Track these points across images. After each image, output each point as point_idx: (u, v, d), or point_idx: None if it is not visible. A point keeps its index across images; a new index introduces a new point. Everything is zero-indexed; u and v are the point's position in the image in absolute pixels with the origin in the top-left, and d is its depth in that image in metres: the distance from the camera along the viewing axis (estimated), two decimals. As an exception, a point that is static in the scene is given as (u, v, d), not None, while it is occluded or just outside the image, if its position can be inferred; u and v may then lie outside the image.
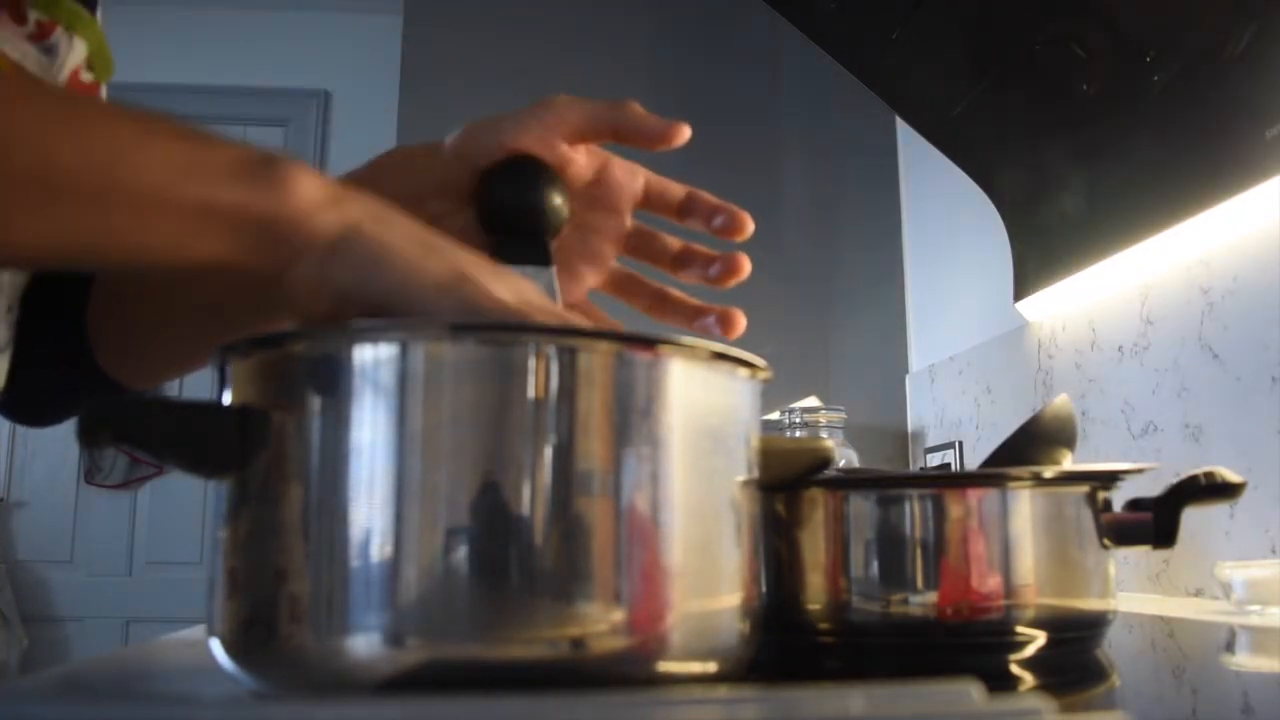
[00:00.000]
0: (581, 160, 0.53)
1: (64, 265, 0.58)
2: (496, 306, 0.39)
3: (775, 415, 1.60)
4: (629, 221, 0.57)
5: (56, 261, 0.52)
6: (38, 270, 0.60)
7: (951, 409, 1.72)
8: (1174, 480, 0.52)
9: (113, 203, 0.39)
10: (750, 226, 0.55)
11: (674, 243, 0.58)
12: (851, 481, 0.52)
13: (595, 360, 0.35)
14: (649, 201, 0.57)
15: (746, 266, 0.56)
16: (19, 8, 0.53)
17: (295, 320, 0.42)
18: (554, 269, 0.52)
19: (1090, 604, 0.50)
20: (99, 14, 0.60)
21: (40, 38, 0.54)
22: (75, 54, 0.56)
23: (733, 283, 0.56)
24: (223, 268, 0.41)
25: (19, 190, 0.38)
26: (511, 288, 0.41)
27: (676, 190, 0.56)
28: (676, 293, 0.58)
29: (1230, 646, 0.66)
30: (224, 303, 0.62)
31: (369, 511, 0.33)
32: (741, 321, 0.55)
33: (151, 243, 0.40)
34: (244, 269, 0.40)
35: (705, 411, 0.37)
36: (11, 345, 0.60)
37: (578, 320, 0.42)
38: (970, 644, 0.48)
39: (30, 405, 0.65)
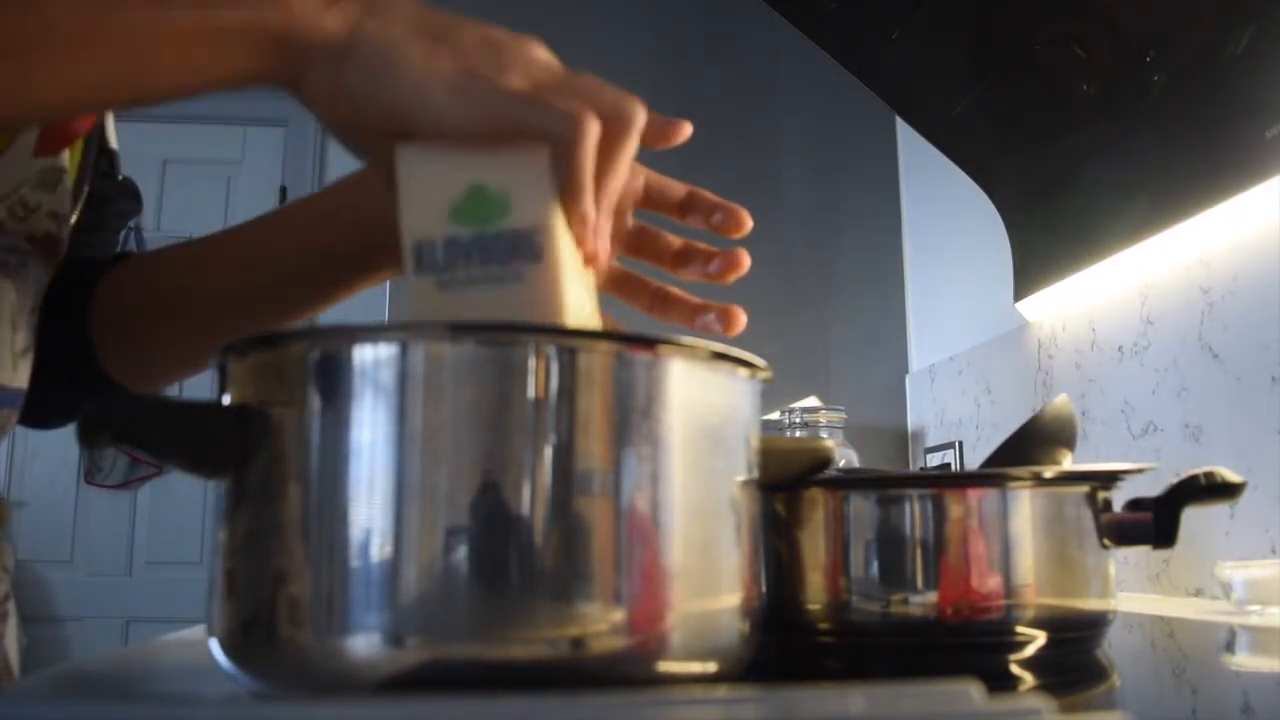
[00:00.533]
0: None
1: (89, 110, 0.58)
2: (510, 99, 0.39)
3: (775, 415, 1.60)
4: (630, 220, 0.57)
5: (83, 109, 0.53)
6: (65, 118, 0.60)
7: (951, 409, 1.72)
8: (1174, 480, 0.52)
9: (117, 43, 0.39)
10: (749, 223, 0.55)
11: (675, 241, 0.58)
12: (851, 481, 0.52)
13: (595, 360, 0.35)
14: (649, 200, 0.57)
15: (746, 261, 0.55)
16: None
17: (320, 123, 0.42)
18: None
19: (1090, 604, 0.50)
20: None
21: None
22: None
23: (733, 278, 0.56)
24: (236, 86, 0.41)
25: (24, 48, 0.38)
26: (523, 73, 0.41)
27: (677, 189, 0.56)
28: (677, 291, 0.58)
29: (1230, 646, 0.66)
30: (226, 306, 0.62)
31: (369, 511, 0.33)
32: (742, 318, 0.55)
33: (164, 74, 0.41)
34: (257, 84, 0.41)
35: (705, 411, 0.37)
36: (34, 348, 0.60)
37: (591, 84, 0.42)
38: (970, 644, 0.48)
39: (37, 410, 0.65)
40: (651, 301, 0.58)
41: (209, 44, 0.40)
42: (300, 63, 0.40)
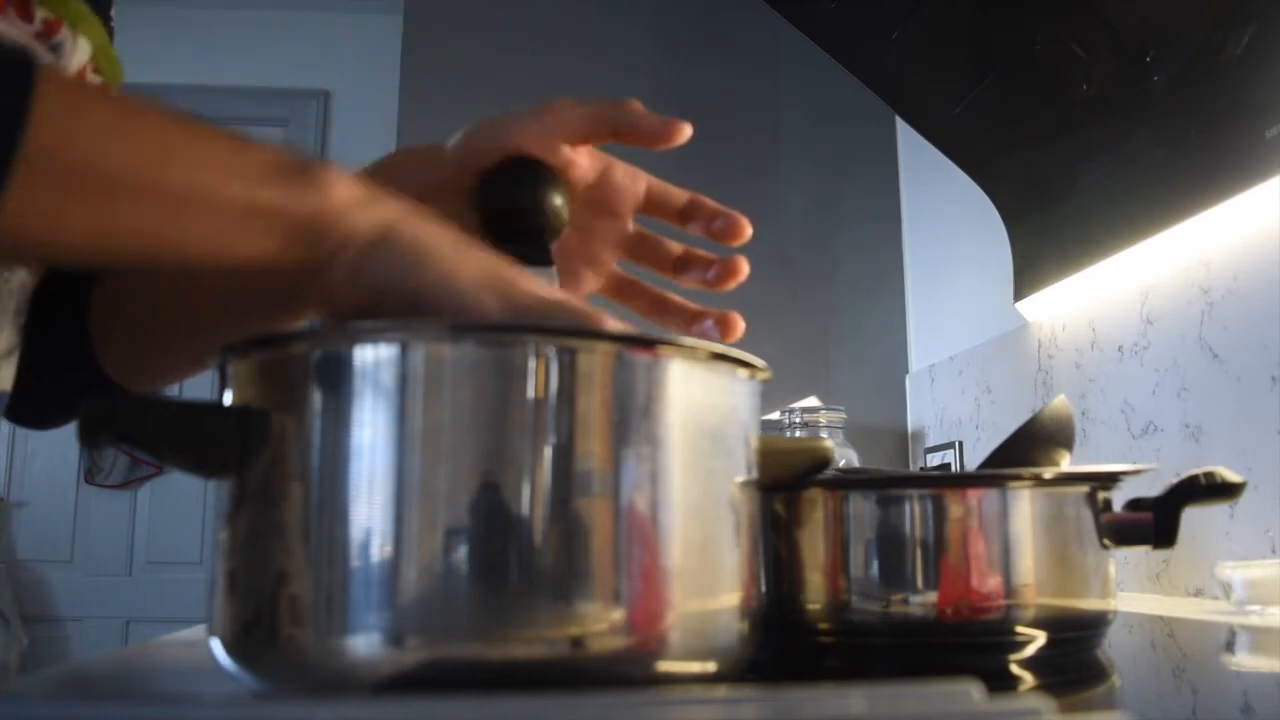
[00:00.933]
0: (583, 163, 0.53)
1: (112, 263, 0.58)
2: (534, 303, 0.40)
3: (775, 415, 1.60)
4: (630, 225, 0.57)
5: (105, 259, 0.53)
6: (85, 267, 0.60)
7: (951, 409, 1.72)
8: (1174, 480, 0.52)
9: (161, 201, 0.39)
10: (748, 231, 0.55)
11: (675, 247, 0.58)
12: (851, 481, 0.52)
13: (595, 360, 0.35)
14: (650, 205, 0.57)
15: (744, 269, 0.56)
16: (26, 5, 0.53)
17: (328, 316, 0.42)
18: (554, 269, 0.52)
19: (1090, 604, 0.50)
20: (114, 14, 0.60)
21: (47, 35, 0.54)
22: (80, 53, 0.56)
23: (731, 285, 0.56)
24: (264, 266, 0.41)
25: (73, 187, 0.38)
26: (539, 289, 0.42)
27: (679, 195, 0.56)
28: (676, 297, 0.58)
29: (1230, 646, 0.66)
30: (228, 306, 0.62)
31: (369, 512, 0.33)
32: (739, 325, 0.55)
33: (197, 241, 0.41)
34: (284, 266, 0.41)
35: (705, 412, 0.37)
36: (18, 349, 0.60)
37: (605, 319, 0.43)
38: (970, 644, 0.48)
39: (34, 409, 0.65)
40: (650, 307, 0.58)
41: (253, 219, 0.40)
42: (329, 249, 0.41)
